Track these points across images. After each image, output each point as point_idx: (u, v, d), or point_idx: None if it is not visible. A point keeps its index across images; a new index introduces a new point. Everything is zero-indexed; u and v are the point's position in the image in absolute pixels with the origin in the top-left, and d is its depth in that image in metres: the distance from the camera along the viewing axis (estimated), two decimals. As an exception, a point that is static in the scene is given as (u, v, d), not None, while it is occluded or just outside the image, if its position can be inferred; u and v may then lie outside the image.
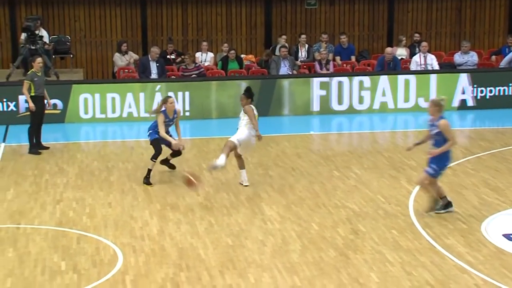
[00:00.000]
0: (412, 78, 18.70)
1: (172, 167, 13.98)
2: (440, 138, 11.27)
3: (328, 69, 19.54)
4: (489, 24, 21.99)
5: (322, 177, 13.74)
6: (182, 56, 19.88)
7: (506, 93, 18.67)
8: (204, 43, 20.15)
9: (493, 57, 20.56)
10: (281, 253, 10.41)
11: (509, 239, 10.70)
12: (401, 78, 18.69)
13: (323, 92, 18.58)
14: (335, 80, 18.56)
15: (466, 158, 14.71)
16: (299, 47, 20.34)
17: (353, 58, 20.57)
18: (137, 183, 13.40)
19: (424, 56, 19.28)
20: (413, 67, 19.32)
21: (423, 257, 10.23)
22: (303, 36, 20.38)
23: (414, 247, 10.57)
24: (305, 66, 19.84)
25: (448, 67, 19.66)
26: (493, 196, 12.49)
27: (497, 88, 18.67)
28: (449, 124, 11.29)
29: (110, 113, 18.12)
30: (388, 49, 19.64)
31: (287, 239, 10.92)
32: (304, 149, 15.76)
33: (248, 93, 13.16)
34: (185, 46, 21.52)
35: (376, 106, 18.59)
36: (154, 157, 13.33)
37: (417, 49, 19.84)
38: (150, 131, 13.52)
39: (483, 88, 18.64)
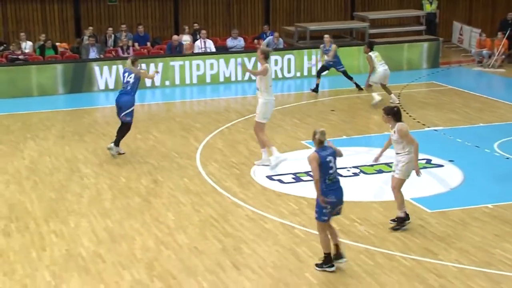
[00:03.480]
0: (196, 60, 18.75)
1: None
2: None
3: (128, 53, 19.17)
4: (251, 16, 22.48)
5: (128, 139, 13.53)
6: (5, 45, 18.81)
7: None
8: (22, 34, 19.15)
9: (255, 41, 21.09)
10: (95, 202, 10.23)
11: (271, 179, 11.14)
12: (186, 59, 18.70)
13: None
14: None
15: (238, 119, 15.08)
16: (107, 37, 19.84)
17: (148, 44, 20.34)
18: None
19: (204, 41, 19.42)
20: (195, 50, 19.40)
21: (208, 197, 10.45)
22: (110, 28, 19.94)
23: (201, 190, 10.76)
24: (112, 52, 19.36)
25: (222, 50, 19.93)
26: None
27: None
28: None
29: None
30: (175, 37, 19.60)
31: (100, 190, 10.75)
32: (112, 118, 15.40)
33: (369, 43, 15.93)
34: (6, 36, 20.25)
35: (167, 82, 18.46)
36: None
37: (198, 35, 19.93)
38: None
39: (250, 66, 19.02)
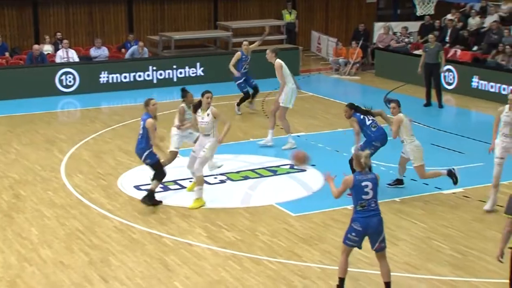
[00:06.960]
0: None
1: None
2: None
3: (-15, 63, 18.28)
4: (114, 25, 22.09)
5: (-14, 153, 12.93)
6: None
7: (149, 78, 18.95)
8: None
9: (122, 50, 20.69)
10: (-48, 221, 9.64)
11: (138, 189, 11.02)
12: (47, 69, 18.12)
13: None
14: None
15: (104, 130, 14.78)
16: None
17: (7, 54, 19.46)
18: None
19: (66, 51, 18.87)
20: (57, 60, 18.81)
21: (74, 210, 10.18)
22: (-36, 37, 18.92)
23: (66, 203, 10.46)
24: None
25: (86, 59, 19.47)
26: (126, 158, 12.73)
27: (132, 74, 18.88)
28: None
29: None
30: (35, 46, 18.84)
31: (-43, 208, 10.13)
32: (-31, 131, 14.65)
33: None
34: None
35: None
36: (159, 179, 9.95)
37: (60, 45, 19.34)
38: (147, 152, 9.77)
39: (114, 75, 18.72)
